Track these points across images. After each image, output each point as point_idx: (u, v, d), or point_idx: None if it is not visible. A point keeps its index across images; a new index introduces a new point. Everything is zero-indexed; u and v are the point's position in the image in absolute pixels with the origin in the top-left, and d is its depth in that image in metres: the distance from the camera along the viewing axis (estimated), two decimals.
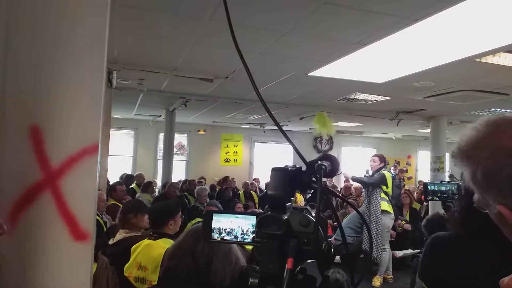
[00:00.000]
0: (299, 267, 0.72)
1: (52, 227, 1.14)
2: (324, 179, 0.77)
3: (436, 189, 2.51)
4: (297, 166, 0.81)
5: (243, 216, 0.80)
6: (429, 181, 2.99)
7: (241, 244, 0.79)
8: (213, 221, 0.81)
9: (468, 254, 1.41)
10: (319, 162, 0.75)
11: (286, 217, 0.68)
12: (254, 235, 0.78)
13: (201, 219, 1.99)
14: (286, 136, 0.87)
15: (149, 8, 2.82)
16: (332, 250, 0.70)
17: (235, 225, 0.80)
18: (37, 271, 1.12)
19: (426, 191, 2.56)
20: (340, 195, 7.40)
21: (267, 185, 9.14)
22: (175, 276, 1.49)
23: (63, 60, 1.19)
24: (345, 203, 6.11)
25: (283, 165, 0.79)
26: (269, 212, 0.68)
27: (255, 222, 0.79)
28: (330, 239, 0.73)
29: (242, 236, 0.79)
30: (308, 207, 0.82)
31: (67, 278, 1.16)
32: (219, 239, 0.81)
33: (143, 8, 2.81)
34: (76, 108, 1.19)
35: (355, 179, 4.97)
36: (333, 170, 0.79)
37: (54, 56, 1.18)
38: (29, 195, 1.13)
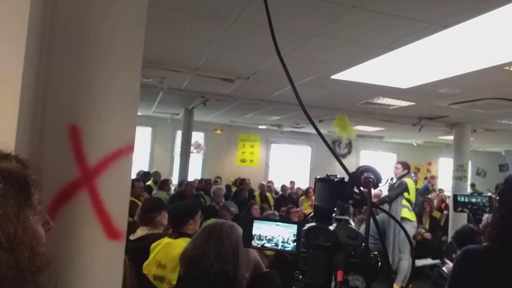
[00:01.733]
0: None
1: (87, 225, 1.17)
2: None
3: (466, 200, 2.46)
4: (339, 176, 0.81)
5: (284, 224, 0.80)
6: (458, 193, 2.92)
7: (281, 252, 0.79)
8: (254, 228, 0.81)
9: (500, 268, 1.36)
10: (365, 174, 0.74)
11: (332, 228, 0.68)
12: (295, 243, 0.78)
13: (216, 219, 1.99)
14: (324, 139, 0.86)
15: (175, 8, 2.84)
16: (379, 263, 0.69)
17: (275, 233, 0.80)
18: (72, 268, 1.15)
19: (456, 203, 2.51)
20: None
21: (283, 187, 9.12)
22: (201, 277, 1.50)
23: (102, 61, 1.21)
24: (363, 209, 6.02)
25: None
26: (315, 223, 0.68)
27: (296, 231, 0.78)
28: None
29: (282, 244, 0.79)
30: (347, 218, 0.81)
31: (100, 275, 1.18)
32: (259, 246, 0.81)
33: (169, 7, 2.83)
34: (114, 109, 1.21)
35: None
36: (377, 182, 0.78)
37: (94, 57, 1.20)
38: (66, 193, 1.16)
